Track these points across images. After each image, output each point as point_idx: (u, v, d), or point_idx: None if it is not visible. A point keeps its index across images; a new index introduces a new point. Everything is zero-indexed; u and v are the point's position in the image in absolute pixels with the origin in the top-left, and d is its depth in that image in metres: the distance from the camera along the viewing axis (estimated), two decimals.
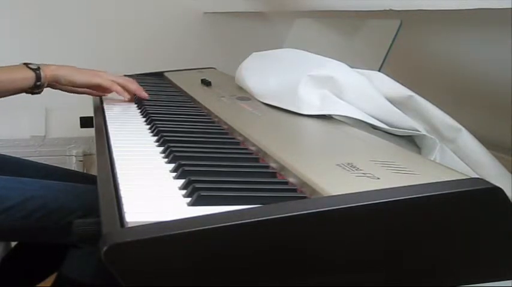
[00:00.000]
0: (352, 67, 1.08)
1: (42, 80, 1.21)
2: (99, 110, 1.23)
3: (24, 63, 1.21)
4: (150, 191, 0.69)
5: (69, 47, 2.17)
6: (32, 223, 1.04)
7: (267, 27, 2.15)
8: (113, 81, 1.28)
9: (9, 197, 1.03)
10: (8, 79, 1.20)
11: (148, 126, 1.06)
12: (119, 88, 1.28)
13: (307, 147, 0.95)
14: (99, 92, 1.32)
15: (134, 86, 1.31)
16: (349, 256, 0.58)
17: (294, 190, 0.70)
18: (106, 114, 1.16)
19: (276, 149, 0.82)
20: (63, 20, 2.18)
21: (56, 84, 1.28)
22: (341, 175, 0.68)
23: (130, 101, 1.30)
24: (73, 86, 1.28)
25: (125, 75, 1.57)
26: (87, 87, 1.30)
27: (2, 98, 1.25)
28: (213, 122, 1.10)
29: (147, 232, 0.53)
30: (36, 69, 1.20)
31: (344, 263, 0.58)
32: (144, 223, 0.55)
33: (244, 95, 1.27)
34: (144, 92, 1.31)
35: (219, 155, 0.85)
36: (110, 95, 1.34)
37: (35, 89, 1.22)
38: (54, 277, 1.17)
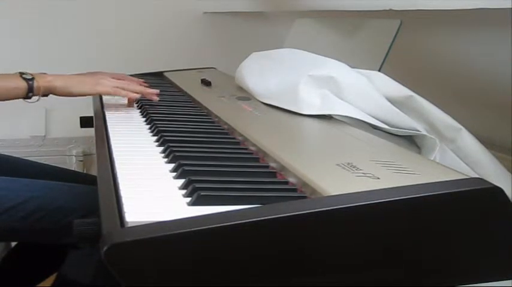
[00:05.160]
0: (352, 67, 1.08)
1: (35, 91, 1.16)
2: (99, 109, 1.23)
3: (19, 73, 1.18)
4: (150, 191, 0.69)
5: (69, 47, 2.17)
6: (32, 224, 1.04)
7: (267, 27, 2.15)
8: (116, 87, 1.23)
9: (9, 198, 1.03)
10: None
11: (148, 126, 1.06)
12: (123, 92, 1.23)
13: (307, 147, 0.95)
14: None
15: (138, 88, 1.26)
16: (349, 255, 0.58)
17: (294, 190, 0.70)
18: (106, 114, 1.16)
19: (276, 149, 0.82)
20: (63, 19, 2.18)
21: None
22: (341, 175, 0.68)
23: (132, 102, 1.28)
24: (71, 96, 1.22)
25: (128, 75, 1.56)
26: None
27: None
28: (213, 122, 1.10)
29: (147, 232, 0.53)
30: (30, 80, 1.16)
31: (344, 263, 0.58)
32: (144, 223, 0.55)
33: (244, 95, 1.27)
34: (149, 89, 1.26)
35: (219, 155, 0.85)
36: (110, 95, 1.32)
37: (27, 99, 1.18)
38: (54, 277, 1.17)
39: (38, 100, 1.20)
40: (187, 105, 1.28)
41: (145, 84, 1.45)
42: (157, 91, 1.27)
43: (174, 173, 0.76)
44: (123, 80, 1.43)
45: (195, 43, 2.29)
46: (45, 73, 1.40)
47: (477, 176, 0.88)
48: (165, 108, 1.22)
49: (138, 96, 1.25)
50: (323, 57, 1.14)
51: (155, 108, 1.21)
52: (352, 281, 0.59)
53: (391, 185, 0.61)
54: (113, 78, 1.37)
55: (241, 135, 0.95)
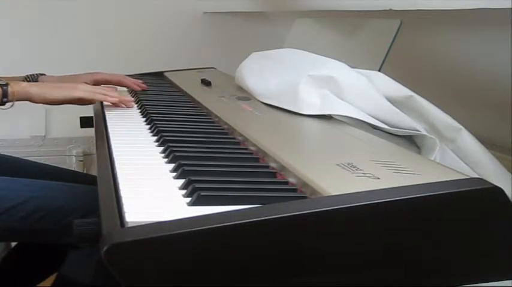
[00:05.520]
0: (352, 67, 1.08)
1: (9, 97, 1.14)
2: (99, 109, 1.23)
3: None
4: (150, 191, 0.69)
5: (69, 47, 2.17)
6: (32, 224, 1.04)
7: (267, 27, 2.15)
8: (93, 91, 1.20)
9: (9, 198, 1.03)
10: None
11: (148, 126, 1.06)
12: (101, 97, 1.21)
13: (307, 147, 0.95)
14: (82, 103, 1.23)
15: (115, 93, 1.25)
16: (349, 255, 0.58)
17: (294, 190, 0.70)
18: (106, 114, 1.16)
19: (276, 149, 0.82)
20: (63, 19, 2.18)
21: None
22: (341, 175, 0.68)
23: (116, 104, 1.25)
24: (49, 103, 1.19)
25: (126, 75, 1.57)
26: (66, 103, 1.21)
27: None
28: (213, 122, 1.10)
29: (147, 232, 0.53)
30: (4, 85, 1.14)
31: (344, 263, 0.58)
32: (144, 223, 0.55)
33: (244, 95, 1.27)
34: (126, 98, 1.25)
35: (219, 155, 0.85)
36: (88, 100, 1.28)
37: (1, 105, 1.15)
38: (54, 277, 1.17)
39: (11, 106, 1.17)
40: (187, 105, 1.28)
41: (144, 86, 1.46)
42: (132, 100, 1.26)
43: (174, 173, 0.76)
44: (119, 80, 1.43)
45: (195, 43, 2.29)
46: (44, 74, 1.41)
47: (477, 176, 0.89)
48: (165, 108, 1.22)
49: (116, 100, 1.23)
50: (323, 57, 1.14)
51: (155, 108, 1.21)
52: (352, 281, 0.59)
53: (391, 185, 0.61)
54: (108, 80, 1.38)
55: (241, 135, 0.95)
